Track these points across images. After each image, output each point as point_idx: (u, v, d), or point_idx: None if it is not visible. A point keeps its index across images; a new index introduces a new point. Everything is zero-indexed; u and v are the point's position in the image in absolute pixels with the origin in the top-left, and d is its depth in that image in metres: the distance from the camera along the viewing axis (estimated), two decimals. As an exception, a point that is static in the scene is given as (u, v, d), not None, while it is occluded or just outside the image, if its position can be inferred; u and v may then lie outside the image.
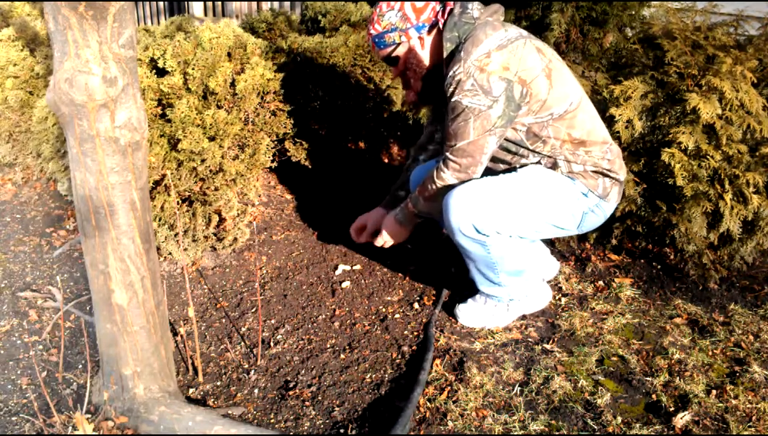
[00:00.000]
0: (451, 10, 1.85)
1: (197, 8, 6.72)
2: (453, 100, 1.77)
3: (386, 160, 3.30)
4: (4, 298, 2.13)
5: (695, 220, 2.21)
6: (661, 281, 2.31)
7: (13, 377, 1.75)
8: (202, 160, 2.20)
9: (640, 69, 2.48)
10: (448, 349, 1.91)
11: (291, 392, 1.73)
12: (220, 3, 6.66)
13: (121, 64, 1.29)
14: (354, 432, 1.58)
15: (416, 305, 2.15)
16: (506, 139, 1.87)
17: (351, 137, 3.15)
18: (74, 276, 2.30)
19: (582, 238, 2.53)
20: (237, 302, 2.18)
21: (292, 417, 1.65)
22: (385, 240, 2.12)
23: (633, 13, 3.09)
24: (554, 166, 1.88)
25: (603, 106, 2.34)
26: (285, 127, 2.56)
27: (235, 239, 2.42)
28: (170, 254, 2.30)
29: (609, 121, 2.28)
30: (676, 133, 2.21)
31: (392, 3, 1.85)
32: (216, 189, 2.26)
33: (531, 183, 1.85)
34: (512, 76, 1.73)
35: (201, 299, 2.20)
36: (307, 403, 1.70)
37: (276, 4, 6.37)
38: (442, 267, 2.39)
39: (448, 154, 1.83)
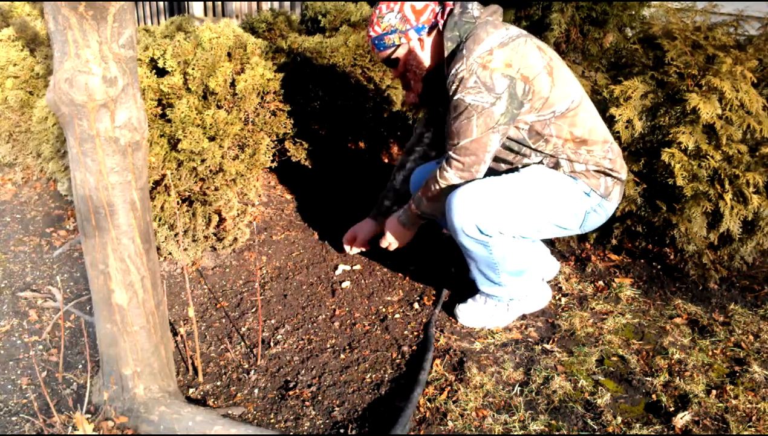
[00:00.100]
0: (451, 10, 1.85)
1: (197, 8, 6.72)
2: (455, 98, 1.77)
3: (386, 160, 3.30)
4: (4, 298, 2.13)
5: (695, 220, 2.21)
6: (661, 281, 2.31)
7: (13, 377, 1.75)
8: (202, 160, 2.20)
9: (640, 69, 2.48)
10: (448, 349, 1.91)
11: (291, 392, 1.73)
12: (220, 3, 6.66)
13: (121, 64, 1.29)
14: (354, 432, 1.58)
15: (416, 305, 2.15)
16: (509, 138, 1.87)
17: (351, 137, 3.14)
18: (74, 276, 2.30)
19: (582, 238, 2.53)
20: (237, 302, 2.18)
21: (292, 417, 1.65)
22: (389, 242, 2.13)
23: (633, 13, 3.10)
24: (556, 165, 1.88)
25: (603, 106, 2.34)
26: (285, 127, 2.56)
27: (235, 239, 2.42)
28: (170, 254, 2.30)
29: (609, 121, 2.28)
30: (676, 133, 2.21)
31: (392, 5, 1.85)
32: (216, 189, 2.26)
33: (534, 183, 1.85)
34: (515, 73, 1.73)
35: (201, 299, 2.20)
36: (307, 403, 1.70)
37: (276, 4, 6.37)
38: (442, 267, 2.39)
39: (451, 153, 1.83)
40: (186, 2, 6.73)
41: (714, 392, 1.71)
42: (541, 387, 1.74)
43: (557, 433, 1.59)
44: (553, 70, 1.79)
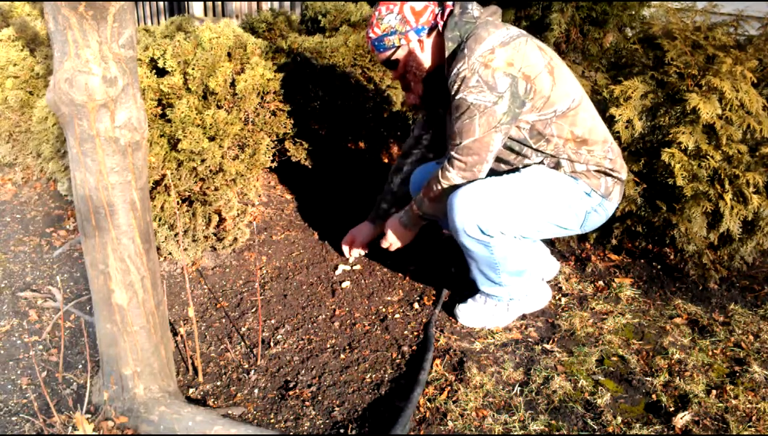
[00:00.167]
0: (451, 11, 1.85)
1: (197, 8, 6.72)
2: (458, 97, 1.77)
3: (386, 160, 3.30)
4: (4, 298, 2.13)
5: (695, 220, 2.21)
6: (661, 281, 2.31)
7: (13, 377, 1.75)
8: (202, 160, 2.20)
9: (640, 69, 2.48)
10: (448, 349, 1.91)
11: (291, 392, 1.73)
12: (220, 3, 6.66)
13: (121, 64, 1.29)
14: (354, 432, 1.58)
15: (416, 305, 2.15)
16: (510, 138, 1.87)
17: (351, 137, 3.14)
18: (74, 276, 2.30)
19: (582, 238, 2.53)
20: (237, 302, 2.18)
21: (292, 417, 1.65)
22: (390, 242, 2.13)
23: (633, 13, 3.10)
24: (557, 166, 1.88)
25: (603, 106, 2.34)
26: (285, 127, 2.56)
27: (235, 239, 2.42)
28: (170, 254, 2.30)
29: (609, 121, 2.28)
30: (676, 133, 2.21)
31: (391, 6, 1.85)
32: (216, 189, 2.26)
33: (535, 183, 1.86)
34: (516, 72, 1.73)
35: (201, 299, 2.20)
36: (307, 403, 1.70)
37: (276, 4, 6.37)
38: (442, 267, 2.39)
39: (453, 153, 1.83)
40: (186, 2, 6.73)
41: (714, 392, 1.71)
42: (541, 387, 1.74)
43: (557, 433, 1.58)
44: (554, 70, 1.79)
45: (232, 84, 2.39)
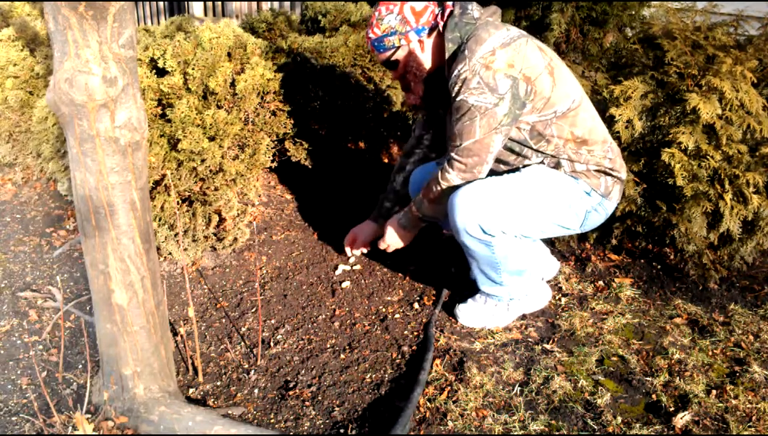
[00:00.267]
0: (451, 11, 1.85)
1: (197, 8, 6.72)
2: (458, 99, 1.76)
3: (386, 160, 3.30)
4: (4, 298, 2.13)
5: (695, 220, 2.21)
6: (661, 281, 2.31)
7: (13, 377, 1.75)
8: (202, 160, 2.20)
9: (640, 69, 2.48)
10: (448, 349, 1.91)
11: (291, 392, 1.74)
12: (220, 3, 6.66)
13: (121, 64, 1.29)
14: (354, 432, 1.58)
15: (416, 305, 2.15)
16: (510, 139, 1.87)
17: (351, 137, 3.14)
18: (74, 276, 2.30)
19: (582, 238, 2.53)
20: (237, 302, 2.18)
21: (292, 417, 1.65)
22: (389, 244, 2.13)
23: (633, 13, 3.10)
24: (557, 165, 1.88)
25: (603, 106, 2.34)
26: (285, 127, 2.56)
27: (235, 239, 2.42)
28: (170, 254, 2.30)
29: (609, 121, 2.28)
30: (676, 133, 2.21)
31: (391, 6, 1.85)
32: (216, 189, 2.26)
33: (535, 183, 1.86)
34: (517, 73, 1.73)
35: (201, 299, 2.20)
36: (307, 403, 1.70)
37: (276, 4, 6.37)
38: (442, 267, 2.39)
39: (453, 154, 1.83)
40: (186, 2, 6.73)
41: (714, 392, 1.71)
42: (541, 387, 1.74)
43: (557, 433, 1.59)
44: (554, 71, 1.79)
45: (232, 84, 2.39)
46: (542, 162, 1.90)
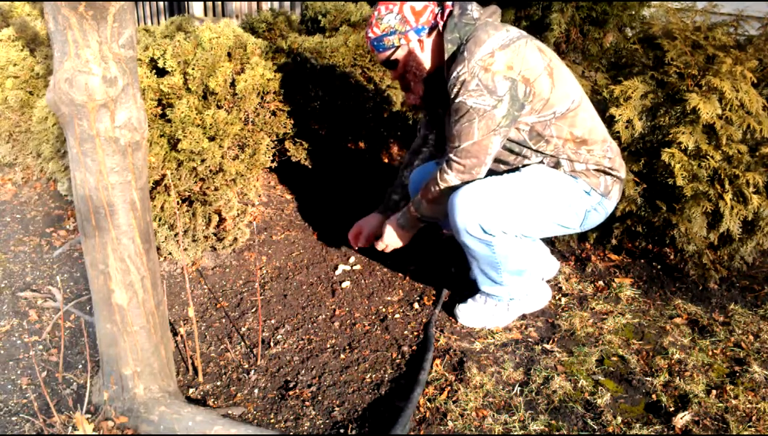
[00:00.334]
0: (451, 11, 1.85)
1: (197, 8, 6.72)
2: (457, 101, 1.76)
3: (386, 160, 3.30)
4: (4, 298, 2.13)
5: (695, 220, 2.21)
6: (661, 281, 2.31)
7: (13, 377, 1.75)
8: (202, 160, 2.20)
9: (640, 69, 2.48)
10: (448, 349, 1.91)
11: (291, 392, 1.74)
12: (220, 3, 6.66)
13: (121, 64, 1.29)
14: (354, 432, 1.58)
15: (416, 305, 2.15)
16: (509, 140, 1.87)
17: (351, 137, 3.14)
18: (74, 276, 2.30)
19: (582, 238, 2.53)
20: (237, 302, 2.18)
21: (292, 417, 1.65)
22: (387, 244, 2.12)
23: (633, 13, 3.10)
24: (557, 165, 1.88)
25: (603, 106, 2.34)
26: (285, 127, 2.56)
27: (235, 239, 2.42)
28: (170, 254, 2.30)
29: (609, 121, 2.28)
30: (676, 133, 2.21)
31: (391, 6, 1.84)
32: (216, 189, 2.26)
33: (535, 182, 1.86)
34: (516, 75, 1.73)
35: (201, 299, 2.20)
36: (307, 403, 1.70)
37: (276, 4, 6.37)
38: (442, 267, 2.39)
39: (451, 155, 1.83)
40: (186, 2, 6.73)
41: (714, 392, 1.71)
42: (541, 387, 1.74)
43: (557, 433, 1.59)
44: (553, 71, 1.79)
45: (232, 84, 2.39)
46: (542, 162, 1.90)
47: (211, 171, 2.24)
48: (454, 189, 1.85)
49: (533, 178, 1.87)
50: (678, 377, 1.77)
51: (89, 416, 1.54)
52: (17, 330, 1.96)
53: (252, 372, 1.82)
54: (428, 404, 1.67)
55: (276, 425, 1.62)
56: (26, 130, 2.94)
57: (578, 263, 2.44)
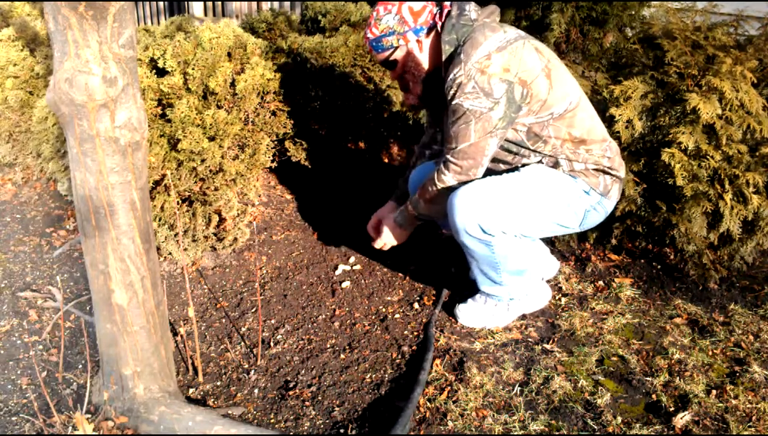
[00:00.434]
0: (449, 12, 1.84)
1: (197, 8, 6.72)
2: (454, 103, 1.77)
3: (386, 160, 3.30)
4: (4, 298, 2.13)
5: (695, 220, 2.21)
6: (661, 281, 2.31)
7: (13, 377, 1.75)
8: (202, 160, 2.20)
9: (640, 69, 2.48)
10: (448, 349, 1.91)
11: (291, 392, 1.74)
12: (220, 3, 6.66)
13: (121, 64, 1.29)
14: (354, 432, 1.58)
15: (416, 305, 2.15)
16: (507, 140, 1.87)
17: (351, 137, 3.14)
18: (74, 276, 2.30)
19: (582, 238, 2.53)
20: (237, 302, 2.18)
21: (292, 417, 1.65)
22: (384, 242, 2.12)
23: (633, 13, 3.09)
24: (556, 165, 1.88)
25: (603, 106, 2.34)
26: (285, 127, 2.56)
27: (235, 239, 2.42)
28: (170, 254, 2.30)
29: (609, 121, 2.28)
30: (676, 133, 2.21)
31: (389, 6, 1.84)
32: (216, 189, 2.26)
33: (534, 182, 1.86)
34: (513, 77, 1.73)
35: (201, 299, 2.20)
36: (307, 403, 1.70)
37: (276, 4, 6.37)
38: (442, 267, 2.39)
39: (448, 156, 1.83)
40: (186, 2, 6.73)
41: (714, 392, 1.71)
42: (541, 387, 1.74)
43: (557, 433, 1.59)
44: (551, 73, 1.79)
45: (232, 84, 2.39)
46: (540, 161, 1.90)
47: (211, 171, 2.24)
48: (452, 189, 1.85)
49: (532, 177, 1.87)
50: (678, 377, 1.77)
51: (89, 416, 1.54)
52: (17, 330, 1.96)
53: (252, 372, 1.82)
54: (428, 404, 1.67)
55: (276, 425, 1.62)
56: (26, 130, 2.94)
57: (578, 262, 2.44)
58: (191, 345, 1.91)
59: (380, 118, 3.06)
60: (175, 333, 1.97)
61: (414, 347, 1.93)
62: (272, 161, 2.47)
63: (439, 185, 1.87)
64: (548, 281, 2.26)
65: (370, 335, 1.99)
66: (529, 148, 1.87)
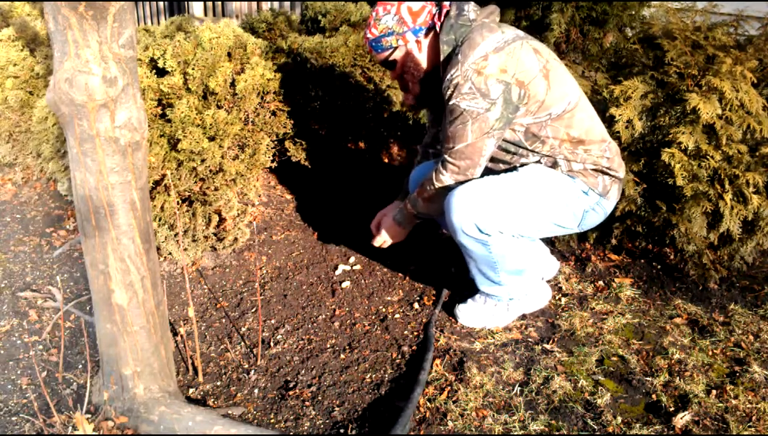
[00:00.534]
0: (447, 12, 1.85)
1: (197, 8, 6.72)
2: (451, 103, 1.77)
3: (386, 160, 3.30)
4: (4, 298, 2.13)
5: (695, 220, 2.21)
6: (661, 281, 2.31)
7: (13, 377, 1.75)
8: (202, 160, 2.20)
9: (640, 69, 2.48)
10: (448, 349, 1.91)
11: (291, 392, 1.74)
12: (220, 3, 6.66)
13: (121, 64, 1.29)
14: (354, 432, 1.58)
15: (416, 305, 2.15)
16: (505, 140, 1.87)
17: (351, 137, 3.15)
18: (74, 276, 2.30)
19: (582, 238, 2.53)
20: (237, 302, 2.18)
21: (292, 417, 1.65)
22: (384, 240, 2.13)
23: (633, 13, 3.09)
24: (554, 165, 1.88)
25: (603, 106, 2.34)
26: (285, 127, 2.56)
27: (235, 239, 2.42)
28: (170, 254, 2.30)
29: (609, 121, 2.28)
30: (676, 133, 2.21)
31: (389, 6, 1.85)
32: (216, 189, 2.26)
33: (532, 182, 1.86)
34: (510, 78, 1.73)
35: (201, 299, 2.20)
36: (307, 403, 1.70)
37: (276, 4, 6.37)
38: (442, 267, 2.39)
39: (446, 156, 1.84)
40: (186, 2, 6.73)
41: (714, 392, 1.71)
42: (541, 387, 1.74)
43: (557, 433, 1.59)
44: (549, 73, 1.79)
45: (232, 84, 2.39)
46: (539, 161, 1.90)
47: (211, 171, 2.24)
48: (449, 189, 1.85)
49: (530, 177, 1.87)
50: (678, 377, 1.77)
51: (89, 416, 1.54)
52: (17, 330, 1.96)
53: (252, 372, 1.82)
54: (428, 404, 1.67)
55: (276, 425, 1.62)
56: (26, 130, 2.94)
57: (578, 262, 2.44)
58: (191, 345, 1.91)
59: (380, 118, 3.06)
60: (175, 333, 1.97)
61: (414, 347, 1.93)
62: (272, 161, 2.47)
63: (437, 185, 1.88)
64: (548, 281, 2.26)
65: (370, 335, 1.99)
66: (527, 149, 1.87)
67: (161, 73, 2.35)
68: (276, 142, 2.60)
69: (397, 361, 1.86)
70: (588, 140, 1.86)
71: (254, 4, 6.59)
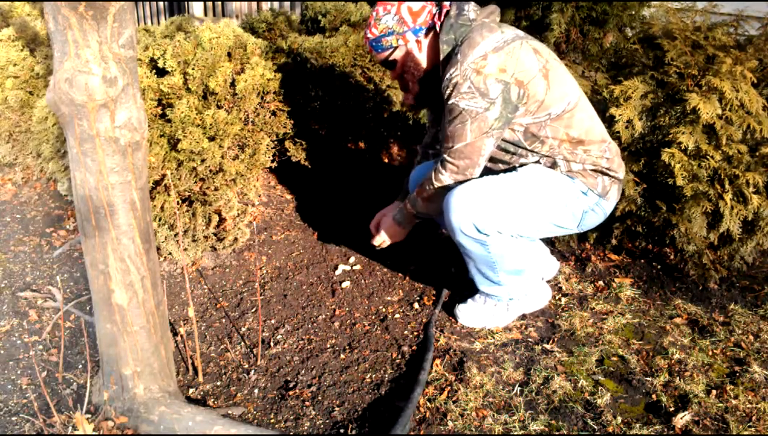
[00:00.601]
0: (447, 12, 1.85)
1: (197, 8, 6.72)
2: (450, 102, 1.77)
3: (386, 160, 3.30)
4: (4, 298, 2.13)
5: (695, 220, 2.21)
6: (661, 281, 2.31)
7: (13, 377, 1.75)
8: (202, 160, 2.20)
9: (640, 69, 2.48)
10: (448, 349, 1.91)
11: (291, 392, 1.74)
12: (220, 3, 6.66)
13: (121, 64, 1.29)
14: (354, 432, 1.58)
15: (416, 305, 2.15)
16: (504, 140, 1.87)
17: (351, 137, 3.15)
18: (74, 276, 2.30)
19: (582, 238, 2.53)
20: (237, 302, 2.18)
21: (292, 417, 1.65)
22: (383, 239, 2.13)
23: (633, 13, 3.09)
24: (553, 165, 1.88)
25: (603, 106, 2.34)
26: (285, 127, 2.56)
27: (235, 239, 2.42)
28: (170, 254, 2.30)
29: (609, 121, 2.28)
30: (676, 133, 2.21)
31: (389, 6, 1.85)
32: (216, 189, 2.26)
33: (531, 182, 1.86)
34: (509, 78, 1.73)
35: (201, 299, 2.20)
36: (307, 403, 1.70)
37: (276, 4, 6.37)
38: (442, 267, 2.39)
39: (445, 156, 1.84)
40: (186, 2, 6.73)
41: (714, 392, 1.71)
42: (541, 387, 1.74)
43: (557, 433, 1.59)
44: (548, 73, 1.79)
45: (232, 84, 2.39)
46: (538, 161, 1.90)
47: (211, 171, 2.24)
48: (448, 188, 1.85)
49: (529, 178, 1.87)
50: (678, 377, 1.77)
51: (89, 416, 1.54)
52: (17, 330, 1.96)
53: (252, 372, 1.82)
54: (428, 404, 1.67)
55: (276, 425, 1.62)
56: (26, 130, 2.94)
57: (578, 263, 2.44)
58: (191, 345, 1.91)
59: (380, 118, 3.06)
60: (175, 333, 1.97)
61: (414, 347, 1.93)
62: (272, 161, 2.47)
63: (436, 184, 1.88)
64: (548, 281, 2.26)
65: (370, 335, 1.99)
66: (526, 148, 1.87)
67: (161, 73, 2.35)
68: (276, 142, 2.60)
69: (397, 361, 1.86)
70: (588, 141, 1.86)
71: (254, 4, 6.59)
